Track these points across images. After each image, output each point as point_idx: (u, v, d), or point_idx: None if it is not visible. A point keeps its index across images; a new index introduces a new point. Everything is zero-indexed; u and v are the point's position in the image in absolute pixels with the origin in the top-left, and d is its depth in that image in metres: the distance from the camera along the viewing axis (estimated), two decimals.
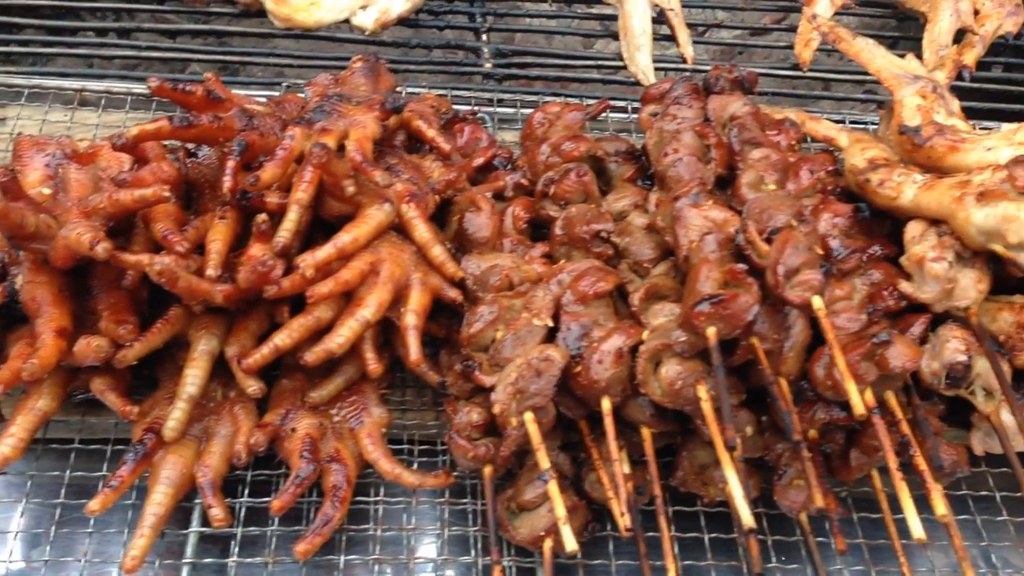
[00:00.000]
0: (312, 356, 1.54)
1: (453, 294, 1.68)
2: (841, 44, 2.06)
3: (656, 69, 2.55)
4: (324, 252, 1.57)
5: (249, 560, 1.56)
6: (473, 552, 1.62)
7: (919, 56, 2.45)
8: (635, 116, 2.24)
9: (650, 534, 1.51)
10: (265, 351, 1.56)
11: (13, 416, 1.55)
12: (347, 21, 2.55)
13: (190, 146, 1.77)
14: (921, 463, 1.49)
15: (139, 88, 2.24)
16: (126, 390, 1.61)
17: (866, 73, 2.03)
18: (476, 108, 2.26)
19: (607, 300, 1.67)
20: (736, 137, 1.82)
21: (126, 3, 2.66)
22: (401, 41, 2.62)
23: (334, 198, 1.65)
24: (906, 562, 1.53)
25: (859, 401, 1.42)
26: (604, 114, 2.23)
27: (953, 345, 1.61)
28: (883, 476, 1.59)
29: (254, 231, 1.57)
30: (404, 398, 1.79)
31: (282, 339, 1.56)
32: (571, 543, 1.41)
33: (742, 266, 1.52)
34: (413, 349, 1.57)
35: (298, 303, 1.59)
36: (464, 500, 1.67)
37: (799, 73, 2.61)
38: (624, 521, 1.47)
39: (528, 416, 1.52)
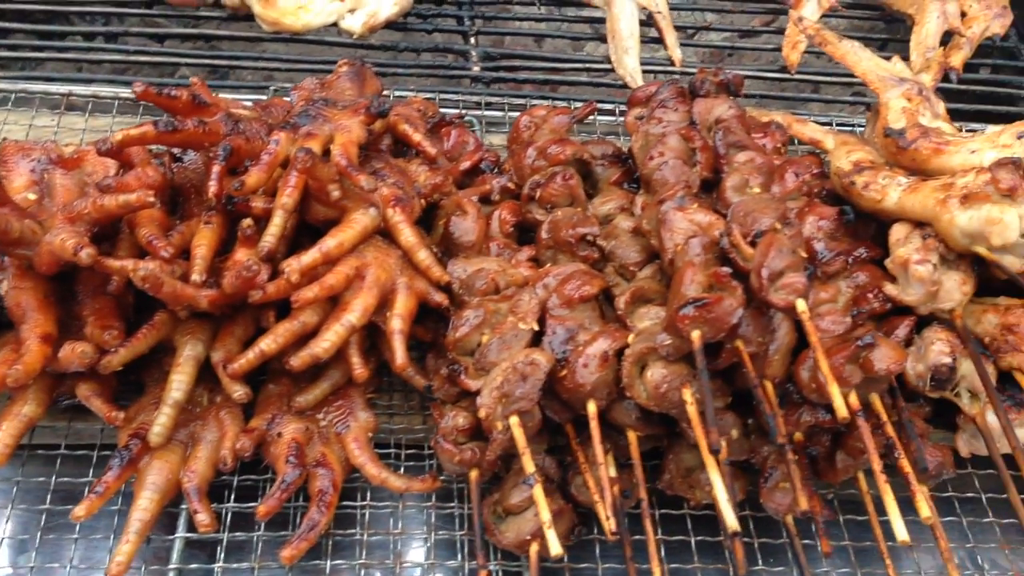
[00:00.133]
0: (298, 361, 1.54)
1: (439, 298, 1.68)
2: (827, 47, 2.07)
3: (645, 72, 2.56)
4: (309, 257, 1.57)
5: (235, 565, 1.56)
6: (460, 556, 1.62)
7: (906, 58, 2.45)
8: (623, 119, 2.24)
9: (637, 537, 1.51)
10: (251, 356, 1.55)
11: None
12: (335, 25, 2.55)
13: (176, 151, 1.77)
14: (906, 465, 1.49)
15: (126, 92, 2.23)
16: (112, 396, 1.61)
17: (854, 75, 2.04)
18: (464, 111, 2.27)
19: (593, 304, 1.67)
20: (721, 140, 1.83)
21: (116, 7, 2.66)
22: (390, 44, 2.62)
23: (319, 203, 1.65)
24: (892, 564, 1.54)
25: (842, 404, 1.42)
26: (592, 117, 2.24)
27: (938, 347, 1.62)
28: (869, 478, 1.59)
29: (239, 236, 1.57)
30: (391, 402, 1.79)
31: (268, 344, 1.56)
32: (556, 547, 1.41)
33: (726, 269, 1.52)
34: (399, 353, 1.57)
35: (284, 308, 1.59)
36: (451, 504, 1.67)
37: (788, 75, 2.62)
38: (610, 525, 1.47)
39: (513, 420, 1.52)
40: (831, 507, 1.69)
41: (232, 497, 1.62)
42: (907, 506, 1.42)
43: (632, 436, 1.60)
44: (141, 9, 2.66)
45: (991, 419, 1.62)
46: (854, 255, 1.67)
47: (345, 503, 1.62)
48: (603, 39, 2.66)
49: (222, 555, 1.56)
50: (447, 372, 1.63)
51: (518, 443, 1.51)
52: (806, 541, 1.57)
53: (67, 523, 1.53)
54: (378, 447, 1.66)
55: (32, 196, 1.65)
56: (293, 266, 1.54)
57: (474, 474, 1.58)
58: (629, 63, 2.53)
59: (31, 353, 1.50)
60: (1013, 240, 1.55)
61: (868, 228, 1.79)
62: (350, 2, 2.53)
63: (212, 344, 1.62)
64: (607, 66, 2.59)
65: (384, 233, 1.70)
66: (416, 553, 1.63)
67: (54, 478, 1.63)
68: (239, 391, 1.57)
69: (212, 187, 1.58)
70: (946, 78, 2.50)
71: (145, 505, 1.51)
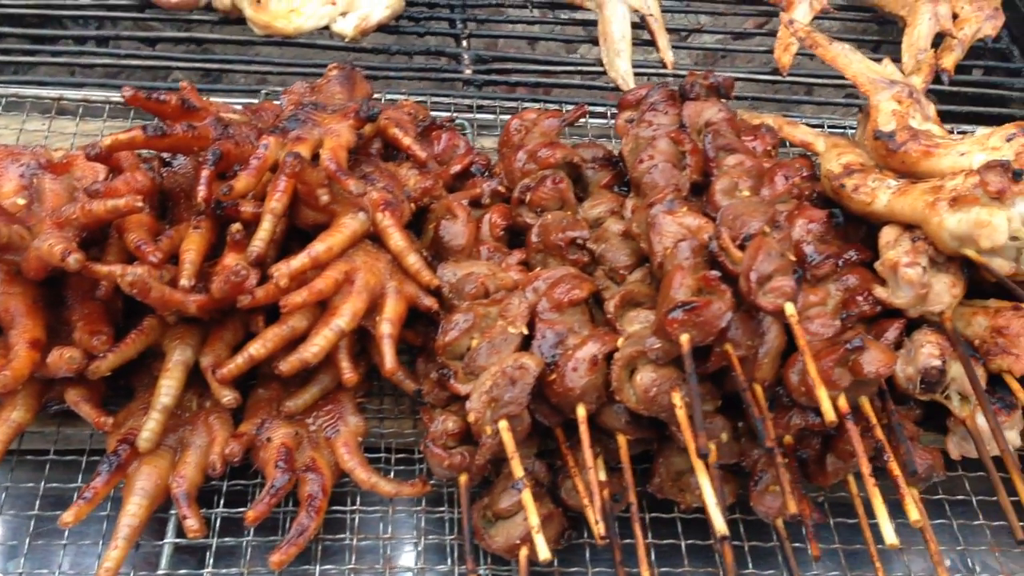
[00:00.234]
0: (287, 366, 1.53)
1: (429, 302, 1.68)
2: (818, 49, 2.07)
3: (638, 74, 2.55)
4: (298, 261, 1.57)
5: (224, 571, 1.55)
6: (450, 561, 1.62)
7: (898, 60, 2.45)
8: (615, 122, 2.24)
9: (627, 541, 1.51)
10: (240, 361, 1.55)
11: None
12: (327, 28, 2.55)
13: (165, 155, 1.77)
14: (895, 468, 1.49)
15: (117, 96, 2.21)
16: (101, 401, 1.61)
17: (846, 77, 2.04)
18: (456, 115, 2.26)
19: (582, 307, 1.67)
20: (711, 143, 1.82)
21: (108, 11, 2.66)
22: (382, 48, 2.62)
23: (309, 207, 1.65)
24: (882, 567, 1.53)
25: (830, 408, 1.42)
26: (583, 119, 2.23)
27: (927, 350, 1.62)
28: (859, 481, 1.58)
29: (228, 240, 1.57)
30: (382, 407, 1.78)
31: (257, 349, 1.55)
32: (544, 552, 1.41)
33: (715, 273, 1.52)
34: (388, 358, 1.57)
35: (273, 313, 1.59)
36: (441, 508, 1.67)
37: (781, 78, 2.62)
38: (599, 529, 1.47)
39: (503, 424, 1.52)
40: (821, 510, 1.69)
41: (221, 502, 1.61)
42: (898, 509, 1.42)
43: (622, 440, 1.59)
44: (133, 12, 2.65)
45: (981, 422, 1.62)
46: (844, 258, 1.67)
47: (335, 508, 1.62)
48: (596, 42, 2.66)
49: (211, 560, 1.55)
50: (437, 376, 1.63)
51: (507, 447, 1.51)
52: (796, 544, 1.57)
53: (56, 529, 1.52)
54: (368, 451, 1.66)
55: (21, 201, 1.65)
56: (282, 271, 1.54)
57: (464, 478, 1.58)
58: (621, 66, 2.53)
59: (19, 359, 1.50)
60: (1002, 243, 1.55)
61: (858, 231, 1.79)
62: (342, 5, 2.53)
63: (201, 349, 1.62)
64: (600, 69, 2.59)
65: (374, 237, 1.70)
66: (406, 558, 1.63)
67: (43, 483, 1.62)
68: (228, 396, 1.57)
69: (201, 192, 1.58)
70: (938, 80, 2.50)
71: (134, 511, 1.50)
